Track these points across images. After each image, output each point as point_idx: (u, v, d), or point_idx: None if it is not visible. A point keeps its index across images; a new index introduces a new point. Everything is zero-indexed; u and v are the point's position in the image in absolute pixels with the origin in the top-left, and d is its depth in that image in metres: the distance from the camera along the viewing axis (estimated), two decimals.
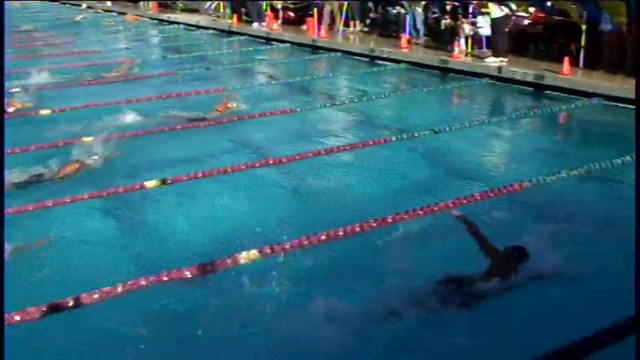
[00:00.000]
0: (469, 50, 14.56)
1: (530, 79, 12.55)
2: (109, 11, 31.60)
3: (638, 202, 4.36)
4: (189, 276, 5.02)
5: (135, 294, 4.78)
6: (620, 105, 10.75)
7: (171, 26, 25.27)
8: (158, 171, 7.50)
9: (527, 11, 14.40)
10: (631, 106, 10.59)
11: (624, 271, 4.90)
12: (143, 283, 4.86)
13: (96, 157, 7.86)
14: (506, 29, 13.71)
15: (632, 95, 10.68)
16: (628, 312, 4.07)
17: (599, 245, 5.78)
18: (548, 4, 13.55)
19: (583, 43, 12.50)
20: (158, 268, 5.10)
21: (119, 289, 4.74)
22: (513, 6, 13.62)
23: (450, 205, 6.32)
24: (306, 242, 5.55)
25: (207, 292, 4.96)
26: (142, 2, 31.69)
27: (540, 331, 4.39)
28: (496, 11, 13.63)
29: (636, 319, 3.12)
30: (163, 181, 7.08)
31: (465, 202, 6.45)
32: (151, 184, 7.01)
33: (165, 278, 4.95)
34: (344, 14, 19.22)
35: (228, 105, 10.68)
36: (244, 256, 5.25)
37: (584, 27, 12.42)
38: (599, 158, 7.69)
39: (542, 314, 4.66)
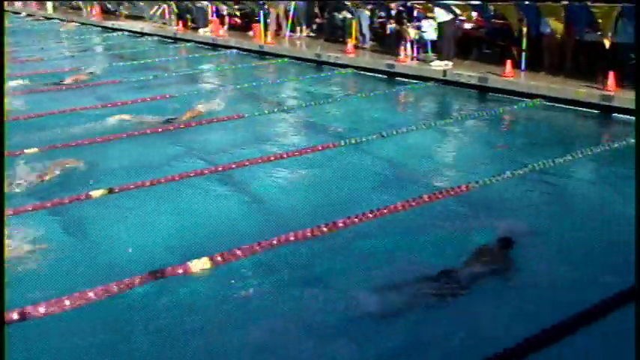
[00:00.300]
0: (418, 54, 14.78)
1: (474, 81, 12.78)
2: (49, 18, 31.02)
3: (638, 202, 4.49)
4: (139, 285, 4.96)
5: (83, 306, 4.69)
6: (561, 105, 11.06)
7: (115, 33, 24.93)
8: (104, 180, 7.39)
9: (469, 16, 14.66)
10: (571, 107, 10.92)
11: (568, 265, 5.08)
12: (91, 295, 4.77)
13: (42, 167, 7.70)
14: (452, 33, 13.93)
15: (572, 96, 11.02)
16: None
17: (544, 242, 5.91)
18: (490, 8, 13.79)
19: (524, 46, 12.79)
20: (106, 278, 5.01)
21: (66, 302, 4.65)
22: (457, 10, 13.86)
23: (400, 207, 6.41)
24: (257, 248, 5.54)
25: (157, 302, 4.91)
26: (84, 9, 31.17)
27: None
28: (442, 15, 13.84)
29: (636, 319, 3.19)
30: (110, 190, 6.98)
31: (414, 204, 6.54)
32: (97, 193, 6.89)
33: (115, 288, 4.87)
34: (291, 18, 19.27)
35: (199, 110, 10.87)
36: (195, 265, 5.21)
37: (524, 30, 12.71)
38: (542, 157, 7.89)
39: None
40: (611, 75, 10.73)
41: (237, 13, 21.86)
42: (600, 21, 11.28)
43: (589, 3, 11.61)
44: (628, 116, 10.19)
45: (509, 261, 5.29)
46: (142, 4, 27.36)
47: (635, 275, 4.24)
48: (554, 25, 11.98)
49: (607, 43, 11.29)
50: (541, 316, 4.48)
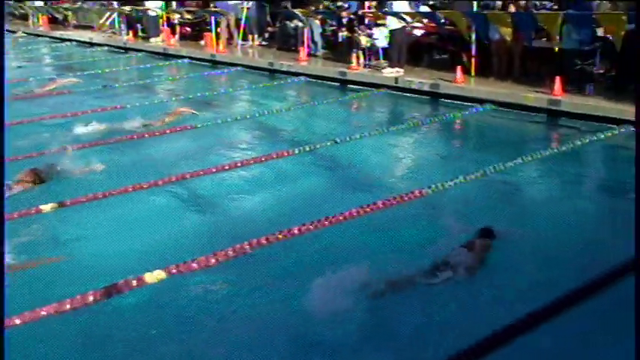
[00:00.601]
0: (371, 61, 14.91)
1: (425, 88, 12.94)
2: None
3: (637, 202, 4.59)
4: (93, 301, 4.87)
5: (35, 324, 4.59)
6: (511, 110, 11.28)
7: (63, 44, 24.53)
8: (53, 194, 7.24)
9: (420, 22, 14.86)
10: (520, 111, 11.14)
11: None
12: (43, 313, 4.67)
13: None
14: (403, 40, 14.08)
15: (521, 101, 11.24)
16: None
17: (500, 243, 6.02)
18: (440, 15, 14.00)
19: (473, 52, 13.01)
20: (60, 295, 4.91)
21: (17, 321, 4.53)
22: (408, 18, 14.01)
23: (355, 214, 6.45)
24: (213, 260, 5.50)
25: (112, 317, 4.84)
26: (31, 18, 30.59)
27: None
28: (393, 23, 13.98)
29: (636, 318, 3.24)
30: (60, 204, 6.85)
31: (368, 210, 6.57)
32: (46, 207, 6.76)
33: (68, 307, 4.78)
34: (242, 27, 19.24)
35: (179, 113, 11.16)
36: (149, 277, 5.15)
37: (473, 37, 12.93)
38: (494, 161, 8.03)
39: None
40: (557, 80, 10.99)
41: (188, 21, 21.69)
42: (546, 27, 11.56)
43: (534, 11, 11.91)
44: (574, 120, 10.48)
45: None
46: (90, 10, 26.97)
47: (634, 273, 4.33)
48: (504, 31, 12.19)
49: (556, 48, 11.57)
50: (500, 317, 4.55)
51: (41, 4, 30.36)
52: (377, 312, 4.79)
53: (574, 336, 4.46)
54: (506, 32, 12.13)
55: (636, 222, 4.90)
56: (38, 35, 27.40)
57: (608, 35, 11.11)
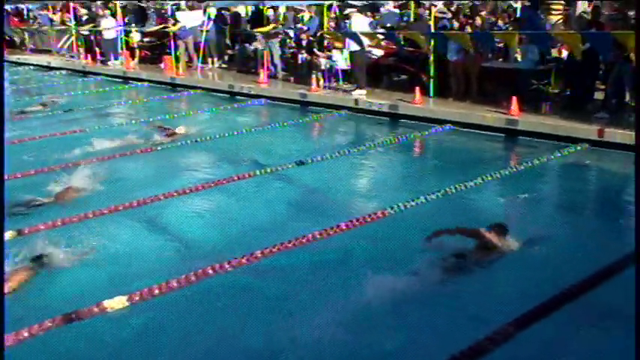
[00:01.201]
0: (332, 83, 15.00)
1: (385, 109, 13.07)
2: None
3: (637, 203, 4.65)
4: (53, 327, 4.78)
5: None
6: (469, 130, 11.45)
7: (20, 68, 24.19)
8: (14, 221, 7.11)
9: (379, 43, 15.02)
10: (478, 131, 11.31)
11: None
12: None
13: None
14: (363, 62, 14.18)
15: (479, 121, 11.42)
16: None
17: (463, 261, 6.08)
18: (400, 36, 14.11)
19: (432, 72, 13.18)
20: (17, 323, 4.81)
21: None
22: (366, 40, 14.09)
23: (317, 235, 6.45)
24: (175, 284, 5.45)
25: (73, 344, 4.75)
26: None
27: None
28: (352, 46, 14.09)
29: (636, 318, 3.27)
30: (19, 232, 6.73)
31: (331, 233, 6.59)
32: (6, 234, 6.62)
33: (26, 334, 4.68)
34: (202, 49, 19.23)
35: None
36: (109, 304, 5.08)
37: (431, 57, 13.11)
38: (454, 181, 8.14)
39: None
40: (514, 100, 11.19)
41: (146, 44, 21.58)
42: (505, 44, 11.75)
43: (492, 31, 12.13)
44: (532, 138, 10.69)
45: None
46: (48, 36, 26.65)
47: (635, 273, 4.39)
48: (466, 45, 12.34)
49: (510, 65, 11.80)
50: (455, 336, 4.58)
51: None
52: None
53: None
54: (469, 46, 12.27)
55: (636, 222, 5.01)
56: None
57: (565, 54, 11.28)
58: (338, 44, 15.07)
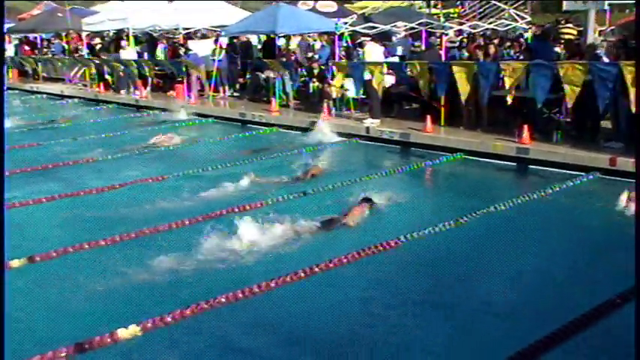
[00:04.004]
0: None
1: (396, 137, 13.10)
2: None
3: (638, 204, 4.66)
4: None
5: None
6: (480, 159, 11.46)
7: (34, 96, 24.46)
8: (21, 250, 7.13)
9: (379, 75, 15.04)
10: (490, 160, 11.30)
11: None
12: None
13: None
14: (376, 91, 14.20)
15: (490, 150, 11.42)
16: None
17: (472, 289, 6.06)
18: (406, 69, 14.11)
19: (442, 102, 13.20)
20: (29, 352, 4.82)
21: None
22: (375, 71, 14.09)
23: (330, 265, 6.46)
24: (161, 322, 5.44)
25: None
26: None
27: None
28: (366, 74, 14.15)
29: (635, 319, 3.26)
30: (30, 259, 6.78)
31: (344, 260, 6.60)
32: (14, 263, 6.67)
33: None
34: (213, 80, 19.38)
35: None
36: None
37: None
38: (467, 210, 8.12)
39: None
40: (525, 128, 11.20)
41: (158, 72, 21.72)
42: (506, 79, 11.75)
43: (501, 60, 12.14)
44: (543, 167, 10.70)
45: None
46: (60, 64, 26.95)
47: (635, 276, 4.37)
48: (462, 89, 12.39)
49: (509, 100, 11.76)
50: None
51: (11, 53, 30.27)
52: None
53: None
54: (465, 88, 12.32)
55: (636, 224, 4.99)
56: (10, 88, 27.32)
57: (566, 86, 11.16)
58: (339, 76, 15.12)
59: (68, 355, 4.84)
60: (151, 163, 12.01)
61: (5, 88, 22.42)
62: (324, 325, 5.46)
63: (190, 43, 21.89)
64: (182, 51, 21.34)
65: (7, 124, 16.12)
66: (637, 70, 9.75)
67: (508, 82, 11.71)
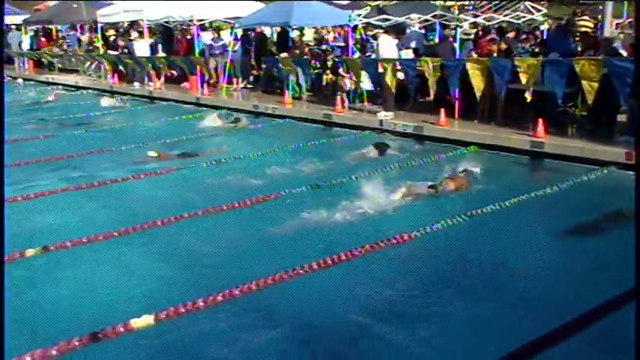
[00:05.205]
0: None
1: (410, 130, 13.05)
2: None
3: (638, 205, 4.63)
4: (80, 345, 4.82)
5: None
6: (495, 152, 11.39)
7: (49, 87, 24.58)
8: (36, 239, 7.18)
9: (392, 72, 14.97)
10: (504, 153, 11.23)
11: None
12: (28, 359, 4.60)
13: None
14: (390, 86, 14.13)
15: (504, 143, 11.35)
16: None
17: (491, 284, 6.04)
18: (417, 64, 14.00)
19: (457, 95, 13.13)
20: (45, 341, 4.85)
21: None
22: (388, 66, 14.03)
23: (350, 255, 6.46)
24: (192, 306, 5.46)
25: None
26: (17, 62, 30.72)
27: None
28: (379, 66, 14.10)
29: (635, 319, 3.25)
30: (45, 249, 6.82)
31: (356, 253, 6.58)
32: (30, 252, 6.73)
33: (54, 352, 4.72)
34: (226, 72, 19.39)
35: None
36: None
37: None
38: (483, 203, 8.09)
39: None
40: (540, 122, 11.12)
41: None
42: (522, 75, 11.64)
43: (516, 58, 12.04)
44: (558, 161, 10.62)
45: None
46: (74, 60, 27.13)
47: (635, 275, 4.35)
48: (477, 85, 12.32)
49: (528, 97, 11.67)
50: None
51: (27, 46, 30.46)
52: None
53: None
54: (480, 84, 12.24)
55: (636, 225, 4.95)
56: (25, 79, 27.50)
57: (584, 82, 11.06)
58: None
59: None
60: None
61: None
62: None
63: (204, 35, 21.81)
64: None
65: None
66: (637, 70, 9.67)
67: (524, 79, 11.60)
